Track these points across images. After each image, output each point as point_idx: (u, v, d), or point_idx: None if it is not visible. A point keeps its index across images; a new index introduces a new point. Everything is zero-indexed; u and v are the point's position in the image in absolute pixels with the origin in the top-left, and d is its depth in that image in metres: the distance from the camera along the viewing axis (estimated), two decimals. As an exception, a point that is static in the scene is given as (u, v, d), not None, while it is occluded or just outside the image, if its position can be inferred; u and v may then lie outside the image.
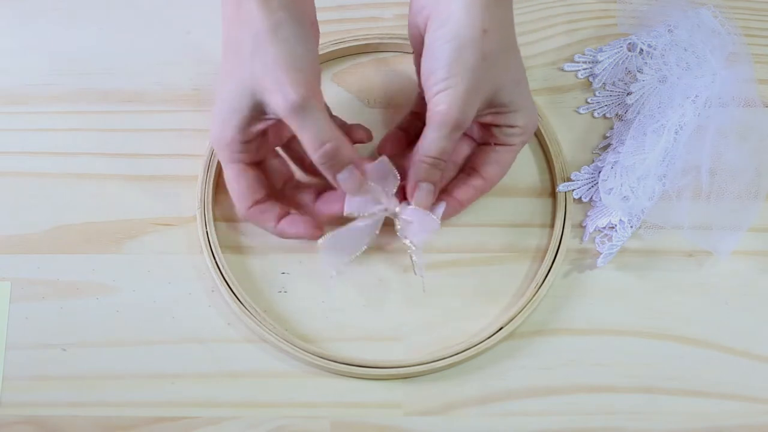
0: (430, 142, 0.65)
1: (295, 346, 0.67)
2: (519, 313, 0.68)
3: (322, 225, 0.67)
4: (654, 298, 0.70)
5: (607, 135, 0.74)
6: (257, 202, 0.66)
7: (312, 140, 0.62)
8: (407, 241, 0.67)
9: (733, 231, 0.69)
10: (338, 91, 0.75)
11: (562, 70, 0.76)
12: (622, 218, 0.70)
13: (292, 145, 0.69)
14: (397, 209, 0.67)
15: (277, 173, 0.68)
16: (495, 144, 0.68)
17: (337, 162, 0.64)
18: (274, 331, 0.67)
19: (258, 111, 0.63)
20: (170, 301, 0.69)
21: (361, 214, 0.67)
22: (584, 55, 0.77)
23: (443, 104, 0.63)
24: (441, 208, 0.68)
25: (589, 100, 0.75)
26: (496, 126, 0.67)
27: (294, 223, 0.67)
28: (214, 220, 0.70)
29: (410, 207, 0.67)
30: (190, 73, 0.75)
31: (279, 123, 0.65)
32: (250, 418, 0.67)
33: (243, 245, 0.71)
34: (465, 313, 0.69)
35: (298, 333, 0.68)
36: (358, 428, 0.66)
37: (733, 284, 0.70)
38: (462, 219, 0.71)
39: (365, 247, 0.67)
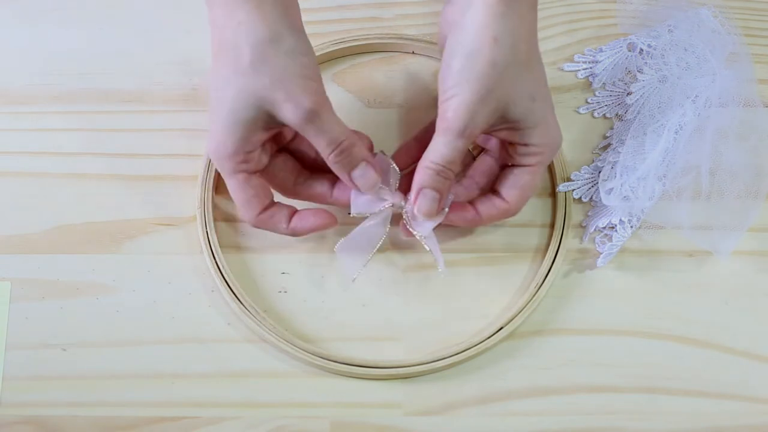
0: (436, 149, 0.64)
1: (295, 346, 0.67)
2: (519, 313, 0.68)
3: (332, 213, 0.67)
4: (654, 298, 0.70)
5: (607, 135, 0.74)
6: (265, 208, 0.66)
7: (328, 142, 0.63)
8: (417, 234, 0.67)
9: (733, 231, 0.69)
10: (338, 91, 0.75)
11: (562, 70, 0.76)
12: (622, 218, 0.70)
13: (290, 148, 0.69)
14: (403, 202, 0.67)
15: (287, 170, 0.68)
16: (512, 165, 0.67)
17: (352, 159, 0.64)
18: (274, 331, 0.67)
19: (263, 121, 0.63)
20: (170, 301, 0.69)
21: (368, 213, 0.67)
22: (584, 55, 0.77)
23: (449, 111, 0.63)
24: (449, 199, 0.67)
25: (589, 100, 0.75)
26: (511, 144, 0.66)
27: (305, 217, 0.66)
28: (214, 220, 0.70)
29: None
30: (190, 73, 0.75)
31: (279, 132, 0.65)
32: (250, 418, 0.67)
33: (243, 245, 0.71)
34: (465, 313, 0.69)
35: (298, 333, 0.68)
36: (358, 428, 0.66)
37: (733, 284, 0.70)
38: (462, 219, 0.71)
39: (378, 245, 0.67)
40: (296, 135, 0.67)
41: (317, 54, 0.75)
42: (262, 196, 0.66)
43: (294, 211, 0.67)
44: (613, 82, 0.76)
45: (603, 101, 0.75)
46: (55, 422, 0.66)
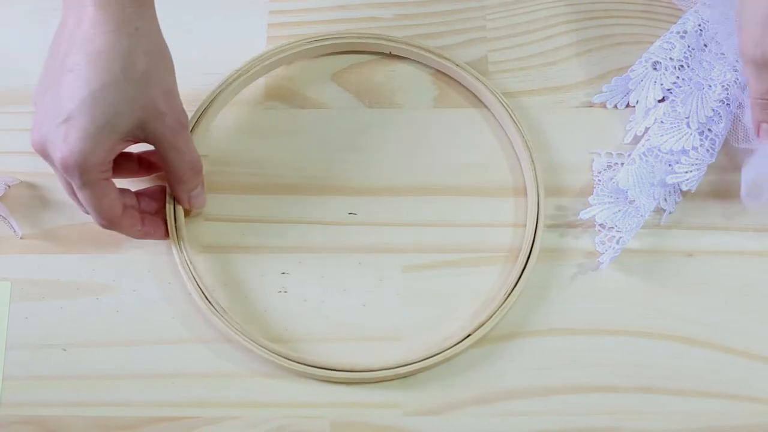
0: (749, 84, 0.68)
1: (290, 359, 0.66)
2: (490, 317, 0.67)
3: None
4: (654, 298, 0.70)
5: (628, 128, 0.73)
6: (125, 207, 0.66)
7: (194, 157, 0.67)
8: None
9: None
10: (338, 91, 0.75)
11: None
12: (623, 219, 0.70)
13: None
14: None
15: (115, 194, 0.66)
16: None
17: (200, 180, 0.68)
18: (270, 349, 0.66)
19: (132, 133, 0.62)
20: (170, 301, 0.69)
21: None
22: (611, 84, 0.75)
23: (739, 42, 0.66)
24: None
25: (604, 88, 0.75)
26: None
27: (155, 224, 0.69)
28: (215, 220, 0.70)
29: None
30: (190, 73, 0.75)
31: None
32: (250, 418, 0.67)
33: (243, 245, 0.71)
34: (465, 313, 0.69)
35: (298, 333, 0.68)
36: (358, 428, 0.66)
37: (733, 284, 0.70)
38: (461, 219, 0.71)
39: None
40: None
41: (317, 54, 0.75)
42: (119, 196, 0.65)
43: (141, 216, 0.68)
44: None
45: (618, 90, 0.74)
46: (55, 422, 0.66)
